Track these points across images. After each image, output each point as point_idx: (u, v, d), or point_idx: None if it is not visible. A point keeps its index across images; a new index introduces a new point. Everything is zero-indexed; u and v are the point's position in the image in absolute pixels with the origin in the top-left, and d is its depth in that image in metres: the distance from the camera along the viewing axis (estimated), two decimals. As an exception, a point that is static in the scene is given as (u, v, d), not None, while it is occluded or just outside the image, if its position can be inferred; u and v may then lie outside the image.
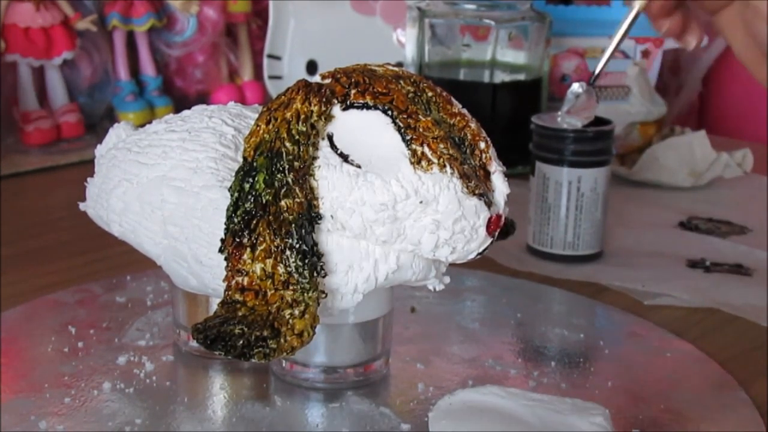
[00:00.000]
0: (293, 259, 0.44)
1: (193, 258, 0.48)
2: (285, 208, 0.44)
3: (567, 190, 0.74)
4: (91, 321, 0.63)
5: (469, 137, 0.47)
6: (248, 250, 0.44)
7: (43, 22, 1.01)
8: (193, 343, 0.53)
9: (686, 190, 0.96)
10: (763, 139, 1.23)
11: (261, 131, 0.46)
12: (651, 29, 0.65)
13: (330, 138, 0.46)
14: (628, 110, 1.02)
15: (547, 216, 0.76)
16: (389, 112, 0.45)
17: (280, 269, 0.44)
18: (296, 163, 0.45)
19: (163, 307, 0.65)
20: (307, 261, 0.44)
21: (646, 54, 1.10)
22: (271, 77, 1.17)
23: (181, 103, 1.12)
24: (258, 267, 0.44)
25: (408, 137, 0.45)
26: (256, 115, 0.47)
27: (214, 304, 0.46)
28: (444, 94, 0.48)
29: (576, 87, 0.73)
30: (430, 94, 0.47)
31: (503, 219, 0.47)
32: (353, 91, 0.46)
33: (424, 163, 0.44)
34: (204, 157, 0.49)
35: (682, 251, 0.80)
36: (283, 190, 0.44)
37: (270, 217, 0.44)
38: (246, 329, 0.43)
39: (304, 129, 0.45)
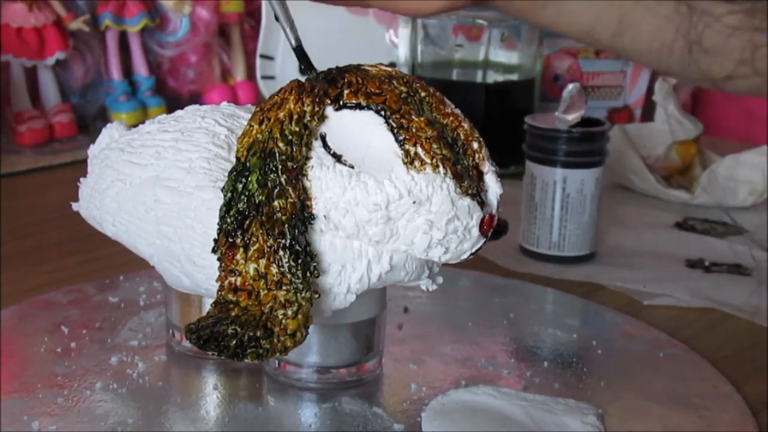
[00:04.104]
0: (286, 260, 0.44)
1: (186, 258, 0.48)
2: (278, 209, 0.44)
3: (553, 190, 0.74)
4: (83, 321, 0.63)
5: (462, 137, 0.47)
6: (241, 250, 0.44)
7: (35, 22, 1.01)
8: (186, 343, 0.53)
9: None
10: (758, 141, 1.22)
11: (254, 131, 0.45)
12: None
13: (323, 138, 0.46)
14: (660, 129, 0.95)
15: (534, 215, 0.76)
16: (382, 112, 0.45)
17: (273, 269, 0.44)
18: (289, 164, 0.45)
19: (156, 308, 0.65)
20: (300, 261, 0.44)
21: None
22: (264, 77, 1.17)
23: (173, 103, 1.12)
24: (251, 267, 0.44)
25: (401, 137, 0.45)
26: (249, 116, 0.47)
27: (207, 305, 0.46)
28: (437, 94, 0.48)
29: (571, 87, 0.73)
30: (423, 94, 0.47)
31: (496, 219, 0.47)
32: (346, 92, 0.46)
33: (417, 163, 0.44)
34: (197, 157, 0.49)
35: (680, 251, 0.80)
36: (276, 191, 0.44)
37: (263, 217, 0.44)
38: (239, 329, 0.43)
39: (297, 129, 0.45)
